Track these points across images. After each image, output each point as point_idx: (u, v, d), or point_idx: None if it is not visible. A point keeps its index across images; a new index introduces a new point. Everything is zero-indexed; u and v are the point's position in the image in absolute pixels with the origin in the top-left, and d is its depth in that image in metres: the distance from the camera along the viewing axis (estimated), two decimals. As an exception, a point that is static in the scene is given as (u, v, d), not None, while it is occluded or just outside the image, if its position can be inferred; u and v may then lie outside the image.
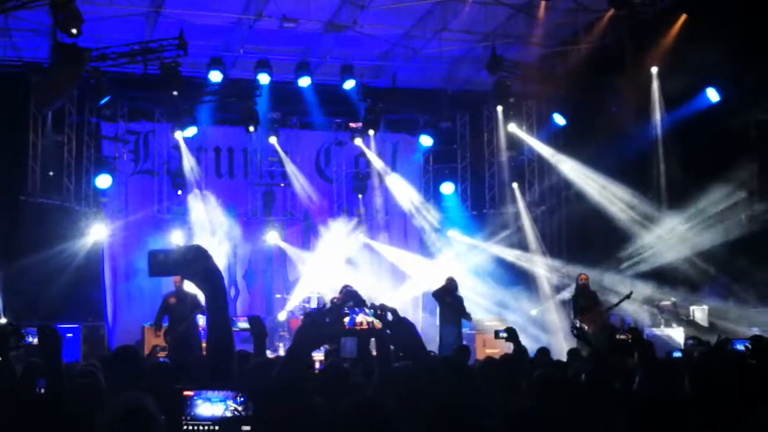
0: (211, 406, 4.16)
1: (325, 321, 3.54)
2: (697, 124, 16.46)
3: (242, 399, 4.06)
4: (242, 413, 3.89)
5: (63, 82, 15.81)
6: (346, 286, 16.36)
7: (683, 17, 16.31)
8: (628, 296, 15.96)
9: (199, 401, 4.12)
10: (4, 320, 15.92)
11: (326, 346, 9.25)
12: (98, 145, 19.30)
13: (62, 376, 5.71)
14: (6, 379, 6.43)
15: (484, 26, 18.06)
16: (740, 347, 8.08)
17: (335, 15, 17.45)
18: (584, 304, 15.95)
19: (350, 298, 15.52)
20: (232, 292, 20.29)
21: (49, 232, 17.33)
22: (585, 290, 16.15)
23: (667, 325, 16.79)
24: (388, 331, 3.63)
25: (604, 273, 17.95)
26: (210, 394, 4.17)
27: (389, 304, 3.98)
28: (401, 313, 3.97)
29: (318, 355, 10.79)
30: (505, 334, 8.88)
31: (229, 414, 4.05)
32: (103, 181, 18.60)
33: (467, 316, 16.26)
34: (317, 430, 4.14)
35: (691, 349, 9.71)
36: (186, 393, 4.10)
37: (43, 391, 5.98)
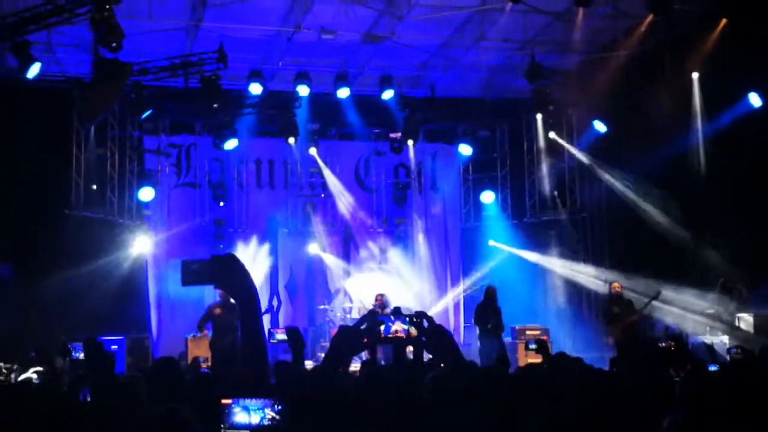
0: (249, 415, 4.19)
1: (360, 329, 3.54)
2: (739, 129, 16.26)
3: (279, 407, 4.07)
4: (279, 421, 3.91)
5: (105, 96, 15.98)
6: (380, 295, 16.41)
7: (723, 21, 16.13)
8: (656, 296, 15.87)
9: (237, 409, 4.15)
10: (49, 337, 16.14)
11: (362, 355, 9.26)
12: (141, 159, 19.53)
13: (106, 386, 5.80)
14: (52, 389, 6.53)
15: (522, 34, 17.99)
16: None
17: (373, 26, 17.48)
18: (618, 312, 15.87)
19: (384, 307, 15.59)
20: (275, 303, 20.38)
21: (93, 245, 17.54)
22: (619, 299, 16.06)
23: (712, 333, 16.58)
24: (423, 339, 3.62)
25: (645, 279, 17.79)
26: (248, 402, 4.20)
27: (431, 314, 3.98)
28: (441, 323, 3.96)
29: (355, 365, 10.84)
30: (534, 346, 8.87)
31: (266, 422, 4.07)
32: (146, 194, 18.81)
33: (502, 328, 16.26)
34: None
35: (734, 358, 9.56)
36: (224, 401, 4.13)
37: (88, 398, 6.07)
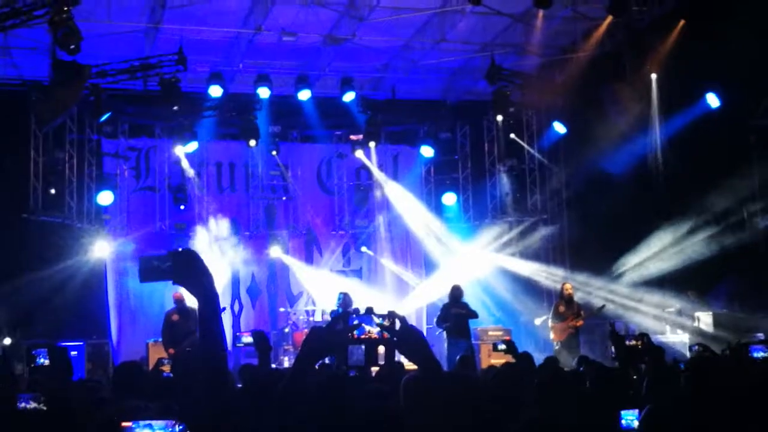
0: None
1: (333, 330, 3.52)
2: (697, 129, 16.47)
3: (181, 427, 4.04)
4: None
5: (63, 99, 15.79)
6: (343, 294, 16.36)
7: (681, 23, 16.32)
8: (600, 309, 16.15)
9: (138, 430, 4.11)
10: (8, 340, 15.92)
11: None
12: (99, 162, 19.31)
13: (68, 393, 5.72)
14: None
15: (482, 36, 18.10)
16: (759, 354, 8.00)
17: (334, 28, 17.47)
18: (563, 312, 16.05)
19: (347, 306, 15.53)
20: (236, 308, 20.27)
21: (52, 249, 17.36)
22: (568, 300, 16.22)
23: (672, 332, 16.78)
24: (395, 339, 3.60)
25: (607, 281, 17.98)
26: (152, 422, 4.17)
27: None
28: (407, 321, 3.94)
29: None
30: (503, 347, 8.89)
31: None
32: (105, 198, 18.60)
33: (475, 314, 16.22)
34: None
35: (697, 356, 9.65)
36: (124, 424, 4.10)
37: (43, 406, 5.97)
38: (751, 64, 14.63)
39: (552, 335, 16.25)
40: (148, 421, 4.19)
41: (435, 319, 16.60)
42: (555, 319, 16.20)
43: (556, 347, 15.98)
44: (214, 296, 3.42)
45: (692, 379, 5.27)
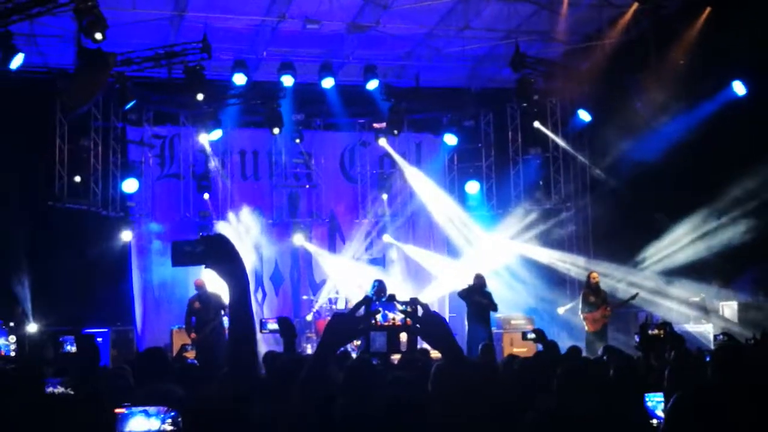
0: (147, 421, 4.18)
1: (355, 315, 3.51)
2: (724, 117, 16.31)
3: (173, 413, 4.07)
4: (177, 428, 3.91)
5: (88, 87, 15.88)
6: (378, 281, 16.37)
7: (707, 10, 16.17)
8: (633, 297, 16.01)
9: (133, 418, 4.14)
10: (35, 326, 16.06)
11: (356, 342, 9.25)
12: (124, 150, 19.41)
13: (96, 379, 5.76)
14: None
15: (506, 23, 17.99)
16: None
17: (358, 15, 17.44)
18: (594, 302, 15.92)
19: (381, 291, 15.54)
20: (260, 295, 20.33)
21: (77, 237, 17.48)
22: (597, 289, 16.09)
23: (697, 321, 16.69)
24: (418, 326, 3.59)
25: (631, 270, 17.90)
26: (147, 408, 4.20)
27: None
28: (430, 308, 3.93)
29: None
30: (533, 335, 8.86)
31: (168, 428, 4.06)
32: (130, 185, 18.69)
33: (495, 307, 16.19)
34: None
35: (723, 345, 9.58)
36: (118, 410, 4.13)
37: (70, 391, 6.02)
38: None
39: (586, 326, 16.05)
40: (142, 408, 4.23)
41: (458, 292, 16.55)
42: (586, 308, 16.00)
43: (590, 338, 15.84)
44: (246, 280, 3.43)
45: (718, 368, 5.23)
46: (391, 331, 4.53)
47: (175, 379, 6.29)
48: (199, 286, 15.65)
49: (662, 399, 5.45)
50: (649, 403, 5.48)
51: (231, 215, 19.96)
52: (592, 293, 16.08)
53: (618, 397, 5.76)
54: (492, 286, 17.01)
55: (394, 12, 16.94)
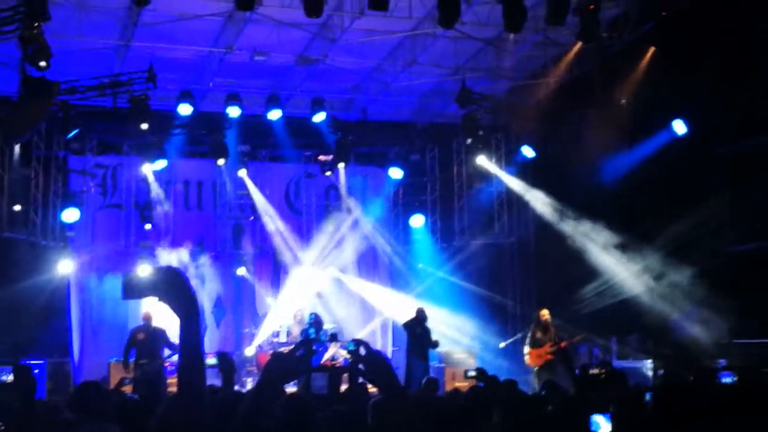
0: None
1: (295, 356, 3.49)
2: (666, 155, 16.59)
3: None
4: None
5: (31, 115, 15.68)
6: (314, 314, 16.30)
7: (651, 50, 16.48)
8: (582, 338, 16.11)
9: None
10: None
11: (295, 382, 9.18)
12: (66, 179, 19.13)
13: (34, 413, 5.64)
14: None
15: (453, 60, 18.18)
16: (727, 380, 8.03)
17: (306, 48, 17.47)
18: (540, 338, 15.94)
19: (319, 324, 15.47)
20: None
21: (15, 267, 17.13)
22: (545, 326, 16.09)
23: (636, 357, 16.83)
24: (360, 366, 3.58)
25: (571, 306, 18.00)
26: None
27: (359, 337, 3.94)
28: (372, 347, 3.93)
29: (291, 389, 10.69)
30: (474, 373, 8.86)
31: None
32: (71, 215, 18.38)
33: (434, 344, 16.28)
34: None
35: (665, 381, 9.66)
36: None
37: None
38: (719, 90, 14.79)
39: (528, 360, 16.05)
40: None
41: (402, 324, 16.65)
42: (532, 344, 16.03)
43: (533, 373, 15.88)
44: (198, 314, 3.39)
45: (661, 404, 5.27)
46: (333, 372, 4.50)
47: (114, 414, 6.18)
48: (147, 319, 15.40)
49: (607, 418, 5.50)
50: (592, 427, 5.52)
51: (172, 246, 19.73)
52: (540, 330, 16.09)
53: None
54: (434, 320, 17.05)
55: (342, 46, 17.02)
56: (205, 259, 20.01)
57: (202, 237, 20.55)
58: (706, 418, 4.94)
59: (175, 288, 3.31)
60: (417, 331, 16.09)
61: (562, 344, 15.84)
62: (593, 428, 5.56)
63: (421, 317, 16.32)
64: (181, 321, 3.33)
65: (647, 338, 16.94)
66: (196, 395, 3.29)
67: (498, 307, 20.28)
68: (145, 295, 3.36)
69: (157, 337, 15.09)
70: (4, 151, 17.15)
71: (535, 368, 15.88)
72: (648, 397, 5.90)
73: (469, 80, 18.43)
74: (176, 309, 3.33)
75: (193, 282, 19.31)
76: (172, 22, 15.78)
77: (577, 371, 9.16)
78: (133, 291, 3.33)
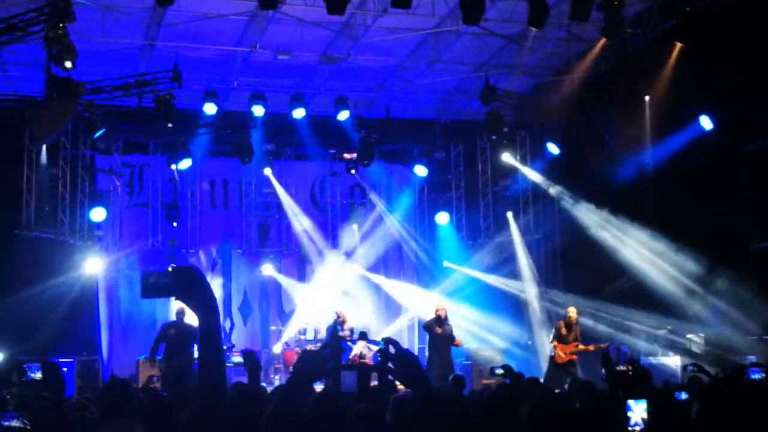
0: None
1: (324, 354, 3.51)
2: (690, 152, 16.46)
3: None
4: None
5: (58, 115, 15.79)
6: (340, 312, 16.28)
7: (677, 46, 16.35)
8: (605, 348, 15.89)
9: None
10: (1, 355, 15.83)
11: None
12: (93, 179, 19.31)
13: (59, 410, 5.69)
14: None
15: (476, 57, 18.14)
16: (756, 376, 7.98)
17: (329, 47, 17.51)
18: (564, 335, 15.86)
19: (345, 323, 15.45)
20: (227, 325, 20.20)
21: (44, 266, 17.27)
22: (570, 324, 16.01)
23: (664, 353, 16.73)
24: (390, 365, 3.59)
25: (597, 301, 17.93)
26: None
27: (386, 335, 3.96)
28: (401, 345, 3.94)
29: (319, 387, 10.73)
30: (501, 371, 8.83)
31: None
32: (98, 214, 18.55)
33: (454, 341, 16.27)
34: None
35: (696, 378, 9.59)
36: None
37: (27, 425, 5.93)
38: (746, 86, 14.66)
39: (555, 356, 16.00)
40: None
41: (423, 324, 16.69)
42: (557, 341, 15.97)
43: (553, 372, 15.77)
44: (216, 312, 3.42)
45: (698, 402, 5.24)
46: (362, 371, 4.52)
47: (142, 412, 6.21)
48: (180, 314, 15.34)
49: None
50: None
51: (198, 244, 19.86)
52: (565, 326, 16.02)
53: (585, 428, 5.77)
54: (460, 317, 17.04)
55: (365, 44, 17.04)
56: (231, 258, 20.11)
57: (228, 235, 20.66)
58: (738, 414, 4.92)
59: (192, 285, 3.34)
60: (437, 331, 16.09)
61: (591, 347, 15.76)
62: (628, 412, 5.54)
63: (440, 316, 16.28)
64: (199, 319, 3.37)
65: (675, 335, 16.84)
66: (216, 390, 3.31)
67: (524, 304, 20.22)
68: (164, 294, 3.39)
69: (188, 333, 15.11)
70: (31, 151, 17.34)
71: (557, 365, 15.79)
72: (683, 396, 5.89)
73: (492, 77, 18.39)
74: (194, 306, 3.36)
75: (220, 280, 19.46)
76: (196, 21, 15.86)
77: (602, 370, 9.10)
78: (151, 290, 3.35)
